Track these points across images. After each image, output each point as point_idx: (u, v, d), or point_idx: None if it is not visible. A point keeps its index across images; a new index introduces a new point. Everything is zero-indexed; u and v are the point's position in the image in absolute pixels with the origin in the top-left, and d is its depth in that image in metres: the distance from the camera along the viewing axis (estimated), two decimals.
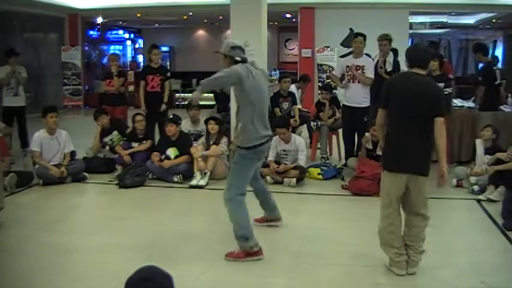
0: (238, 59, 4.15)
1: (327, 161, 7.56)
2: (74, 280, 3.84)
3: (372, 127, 6.24)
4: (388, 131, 3.94)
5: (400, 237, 3.92)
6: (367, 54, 7.38)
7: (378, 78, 7.08)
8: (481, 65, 8.09)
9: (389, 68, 7.23)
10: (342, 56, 8.77)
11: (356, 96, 7.12)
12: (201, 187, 6.48)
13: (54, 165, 6.60)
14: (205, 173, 6.60)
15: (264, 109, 4.24)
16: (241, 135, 4.21)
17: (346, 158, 7.31)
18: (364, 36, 7.21)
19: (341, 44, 13.41)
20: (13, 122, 8.48)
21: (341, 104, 7.74)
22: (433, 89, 3.88)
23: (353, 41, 7.34)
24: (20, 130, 8.54)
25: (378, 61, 7.31)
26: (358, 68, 7.10)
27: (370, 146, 6.64)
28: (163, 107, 7.80)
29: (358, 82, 7.09)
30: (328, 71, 13.17)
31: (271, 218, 4.98)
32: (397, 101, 3.83)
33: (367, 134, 6.67)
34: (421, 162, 3.81)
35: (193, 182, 6.53)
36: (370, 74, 7.08)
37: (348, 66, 7.20)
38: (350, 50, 8.61)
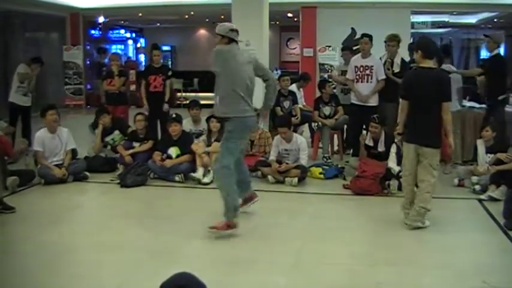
0: (236, 39, 4.78)
1: (329, 161, 7.55)
2: (75, 279, 3.84)
3: (395, 125, 6.28)
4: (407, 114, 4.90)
5: (408, 195, 5.00)
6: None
7: (385, 78, 7.11)
8: None
9: (396, 69, 7.23)
10: (343, 49, 8.76)
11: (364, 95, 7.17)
12: (205, 184, 6.46)
13: (56, 165, 6.61)
14: (208, 171, 6.59)
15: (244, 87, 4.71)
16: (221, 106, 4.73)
17: (353, 155, 7.32)
18: (370, 36, 7.24)
19: (342, 44, 13.38)
20: (17, 121, 8.53)
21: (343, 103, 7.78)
22: (442, 78, 4.90)
23: (359, 41, 7.40)
24: (24, 129, 8.59)
25: (385, 62, 7.31)
26: (366, 68, 7.12)
27: (370, 143, 6.64)
28: (166, 107, 7.79)
29: (367, 82, 7.12)
30: (330, 70, 13.15)
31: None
32: (414, 92, 4.82)
33: (364, 132, 6.68)
34: (427, 137, 4.80)
35: (196, 175, 6.52)
36: (380, 74, 7.11)
37: (356, 67, 7.23)
38: (354, 48, 8.66)
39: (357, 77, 7.22)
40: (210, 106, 10.52)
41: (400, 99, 5.06)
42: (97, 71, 9.19)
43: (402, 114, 5.00)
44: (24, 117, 8.60)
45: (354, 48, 8.79)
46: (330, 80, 9.07)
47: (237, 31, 4.80)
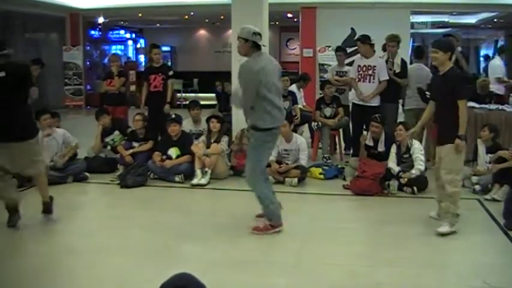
0: (260, 43, 4.57)
1: (329, 161, 7.55)
2: (75, 280, 3.84)
3: (399, 126, 6.31)
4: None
5: None
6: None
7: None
8: None
9: (397, 70, 7.23)
10: (337, 50, 8.76)
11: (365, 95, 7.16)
12: (202, 185, 6.48)
13: (55, 168, 6.58)
14: (205, 172, 6.60)
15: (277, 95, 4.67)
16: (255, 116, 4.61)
17: (354, 156, 7.32)
18: (367, 37, 7.24)
19: (342, 44, 13.38)
20: None
21: (350, 103, 7.81)
22: None
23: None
24: None
25: (386, 62, 7.30)
26: (369, 67, 7.12)
27: (370, 143, 6.64)
28: (167, 107, 7.71)
29: (369, 82, 7.12)
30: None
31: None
32: None
33: (365, 133, 6.68)
34: None
35: (195, 181, 6.53)
36: (382, 75, 7.10)
37: (359, 66, 7.23)
38: (354, 48, 8.69)
39: (359, 76, 7.21)
40: (210, 107, 10.62)
41: (466, 101, 4.72)
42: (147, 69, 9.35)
43: (466, 117, 4.70)
44: None
45: (349, 50, 8.80)
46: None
47: (260, 35, 4.60)
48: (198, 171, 6.61)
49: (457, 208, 4.74)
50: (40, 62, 8.97)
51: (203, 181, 6.53)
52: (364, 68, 7.18)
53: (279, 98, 4.72)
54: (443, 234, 4.64)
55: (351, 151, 7.82)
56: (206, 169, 6.62)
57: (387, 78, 7.11)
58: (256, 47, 4.56)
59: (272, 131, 4.65)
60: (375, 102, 7.15)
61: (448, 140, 4.71)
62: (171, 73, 7.91)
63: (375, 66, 7.12)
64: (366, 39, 7.24)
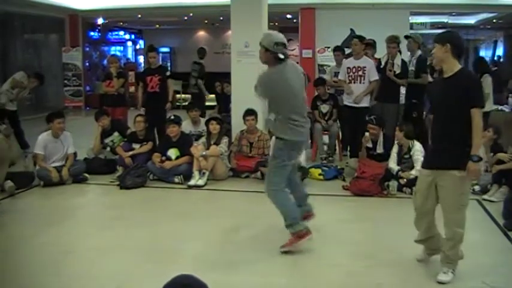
0: (281, 56, 4.17)
1: (324, 161, 7.56)
2: (74, 281, 3.84)
3: (400, 127, 6.31)
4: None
5: None
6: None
7: (385, 79, 7.15)
8: None
9: (397, 70, 7.26)
10: (335, 50, 8.76)
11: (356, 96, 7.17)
12: (199, 186, 6.47)
13: (56, 167, 6.59)
14: (203, 173, 6.60)
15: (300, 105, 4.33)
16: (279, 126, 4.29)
17: (351, 157, 7.33)
18: (361, 38, 7.28)
19: (341, 45, 13.36)
20: (2, 123, 8.44)
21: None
22: None
23: (350, 43, 7.48)
24: (15, 133, 8.52)
25: (386, 63, 7.32)
26: (359, 69, 7.15)
27: (369, 145, 6.64)
28: (168, 105, 7.91)
29: (360, 83, 7.15)
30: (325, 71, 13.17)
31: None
32: None
33: (367, 134, 6.68)
34: None
35: (192, 182, 6.53)
36: (372, 75, 7.13)
37: (349, 68, 7.25)
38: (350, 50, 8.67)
39: (349, 78, 7.27)
40: (209, 108, 10.60)
41: (481, 111, 3.63)
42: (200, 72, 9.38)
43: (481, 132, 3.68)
44: (11, 121, 8.52)
45: (348, 51, 8.82)
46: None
47: (284, 44, 4.20)
48: (196, 173, 6.61)
49: (460, 252, 3.79)
50: (40, 78, 9.03)
51: (200, 182, 6.52)
52: (354, 69, 7.23)
53: (302, 110, 4.38)
54: (444, 283, 3.68)
55: (348, 152, 7.83)
56: (204, 170, 6.61)
57: (377, 78, 7.16)
58: (279, 58, 4.18)
59: (296, 143, 4.33)
60: (365, 103, 7.20)
61: (456, 164, 3.57)
62: (168, 73, 8.02)
63: (364, 67, 7.18)
64: (363, 39, 7.30)
